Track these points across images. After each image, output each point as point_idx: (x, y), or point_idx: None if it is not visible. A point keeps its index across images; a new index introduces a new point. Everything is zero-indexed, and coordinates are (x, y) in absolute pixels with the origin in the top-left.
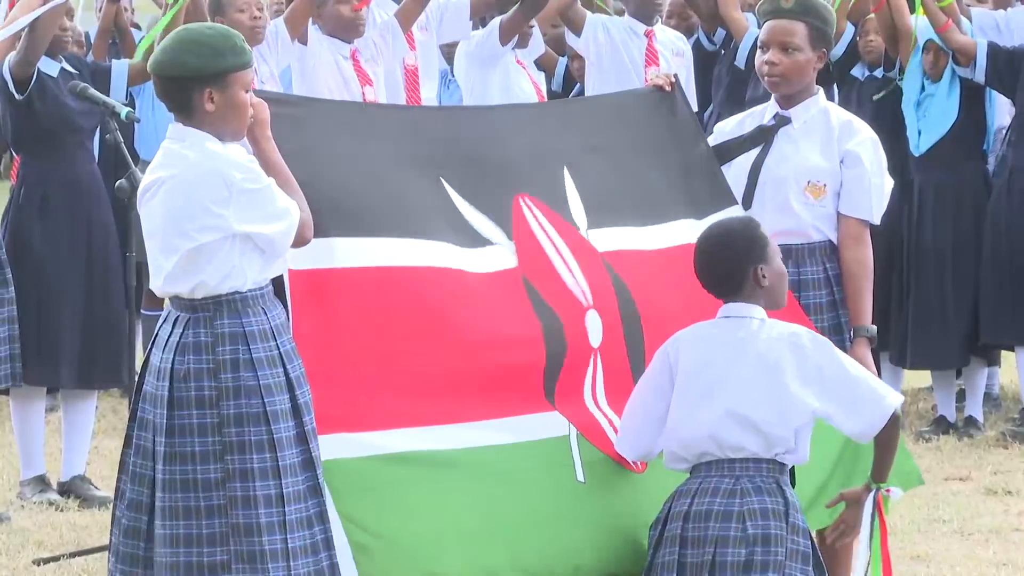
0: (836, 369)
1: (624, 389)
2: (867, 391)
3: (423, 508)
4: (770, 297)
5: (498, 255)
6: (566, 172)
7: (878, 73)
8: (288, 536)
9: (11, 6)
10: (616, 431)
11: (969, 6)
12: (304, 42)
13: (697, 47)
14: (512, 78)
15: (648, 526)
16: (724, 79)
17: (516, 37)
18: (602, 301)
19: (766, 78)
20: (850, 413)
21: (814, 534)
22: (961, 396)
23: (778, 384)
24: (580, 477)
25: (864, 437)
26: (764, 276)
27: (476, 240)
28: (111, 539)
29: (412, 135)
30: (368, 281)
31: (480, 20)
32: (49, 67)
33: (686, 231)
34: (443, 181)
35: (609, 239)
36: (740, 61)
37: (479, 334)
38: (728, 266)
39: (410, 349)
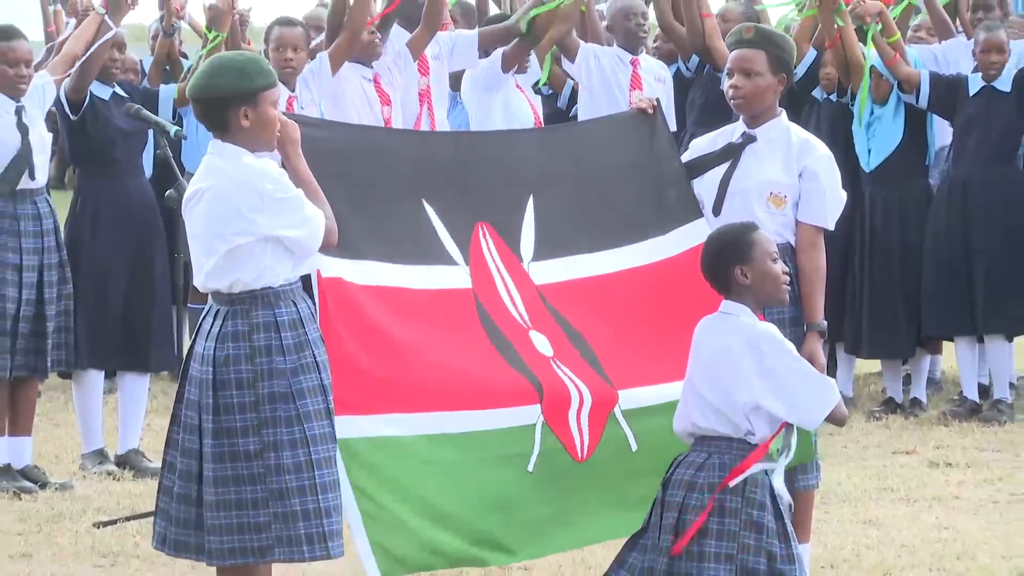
0: (787, 371)
1: (591, 383)
2: (814, 390)
3: (414, 485)
4: (755, 295)
5: (457, 274)
6: (530, 202)
7: (833, 97)
8: (320, 497)
9: (53, 31)
10: (580, 430)
11: (920, 39)
12: (335, 71)
13: (677, 75)
14: (512, 101)
15: (578, 508)
16: (698, 102)
17: (516, 65)
18: (541, 323)
19: (731, 100)
20: (796, 407)
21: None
22: (907, 380)
23: (734, 374)
24: (530, 467)
25: (810, 426)
26: (745, 276)
27: (444, 258)
28: (158, 504)
29: (408, 160)
30: (366, 294)
31: (485, 51)
32: (101, 91)
33: (646, 252)
34: (425, 204)
35: (548, 272)
36: (724, 86)
37: (445, 344)
38: (712, 264)
39: (397, 350)
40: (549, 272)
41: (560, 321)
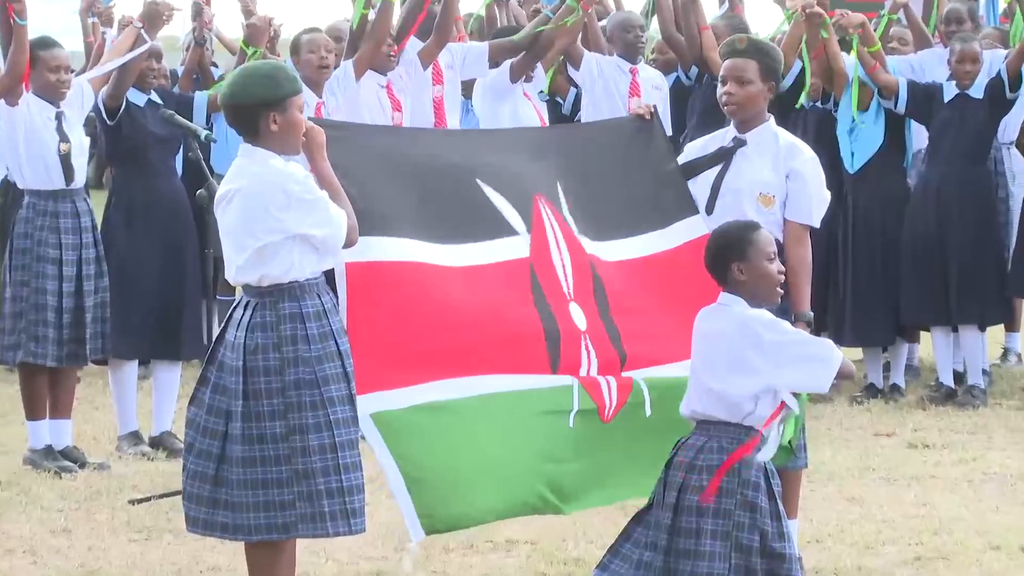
0: (787, 342)
1: (612, 363)
2: (817, 353)
3: (456, 447)
4: (750, 291)
5: (517, 244)
6: (559, 186)
7: (819, 104)
8: (343, 477)
9: (92, 41)
10: (610, 394)
11: (894, 49)
12: (359, 78)
13: (676, 83)
14: (519, 107)
15: (605, 466)
16: (697, 108)
17: (524, 75)
18: (581, 295)
19: (724, 106)
20: (805, 373)
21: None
22: (887, 367)
23: (736, 361)
24: (571, 424)
25: (822, 388)
26: (741, 272)
27: (504, 229)
28: (184, 487)
29: (446, 149)
30: (402, 271)
31: (495, 62)
32: (137, 98)
33: (648, 243)
34: (479, 181)
35: (590, 246)
36: (718, 92)
37: (487, 316)
38: (713, 259)
39: (436, 325)
40: (591, 246)
41: (598, 292)
